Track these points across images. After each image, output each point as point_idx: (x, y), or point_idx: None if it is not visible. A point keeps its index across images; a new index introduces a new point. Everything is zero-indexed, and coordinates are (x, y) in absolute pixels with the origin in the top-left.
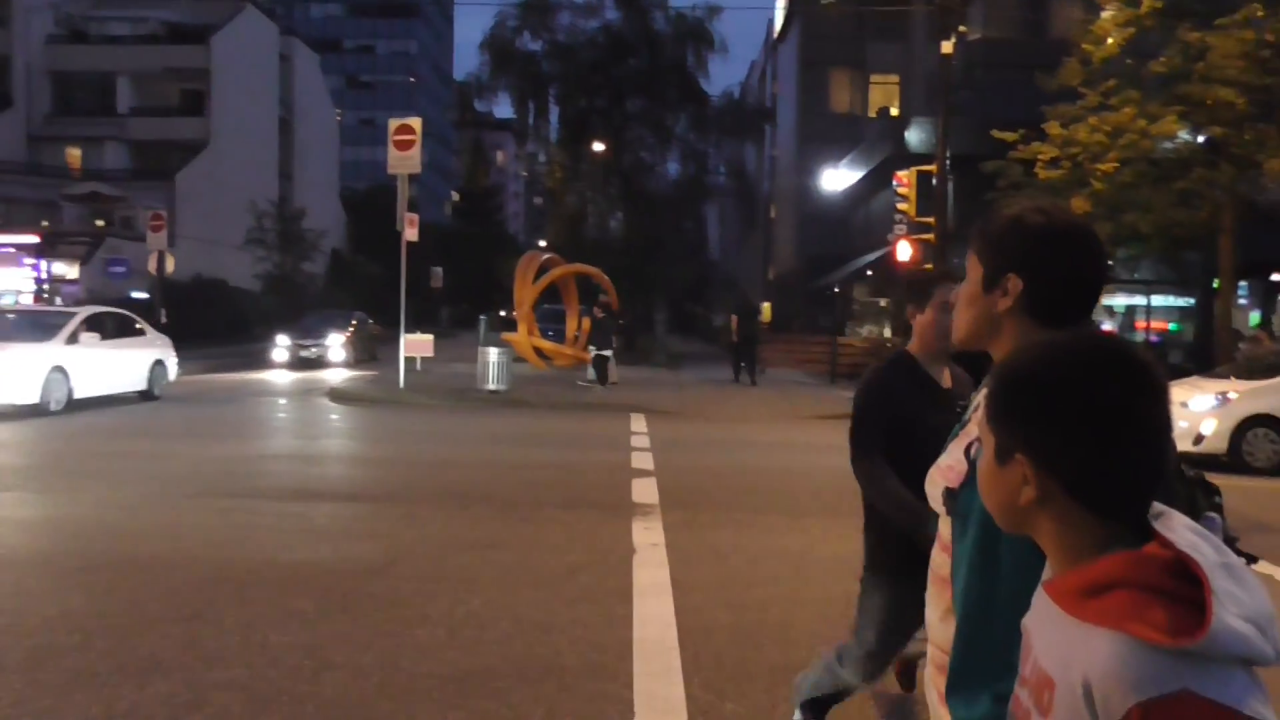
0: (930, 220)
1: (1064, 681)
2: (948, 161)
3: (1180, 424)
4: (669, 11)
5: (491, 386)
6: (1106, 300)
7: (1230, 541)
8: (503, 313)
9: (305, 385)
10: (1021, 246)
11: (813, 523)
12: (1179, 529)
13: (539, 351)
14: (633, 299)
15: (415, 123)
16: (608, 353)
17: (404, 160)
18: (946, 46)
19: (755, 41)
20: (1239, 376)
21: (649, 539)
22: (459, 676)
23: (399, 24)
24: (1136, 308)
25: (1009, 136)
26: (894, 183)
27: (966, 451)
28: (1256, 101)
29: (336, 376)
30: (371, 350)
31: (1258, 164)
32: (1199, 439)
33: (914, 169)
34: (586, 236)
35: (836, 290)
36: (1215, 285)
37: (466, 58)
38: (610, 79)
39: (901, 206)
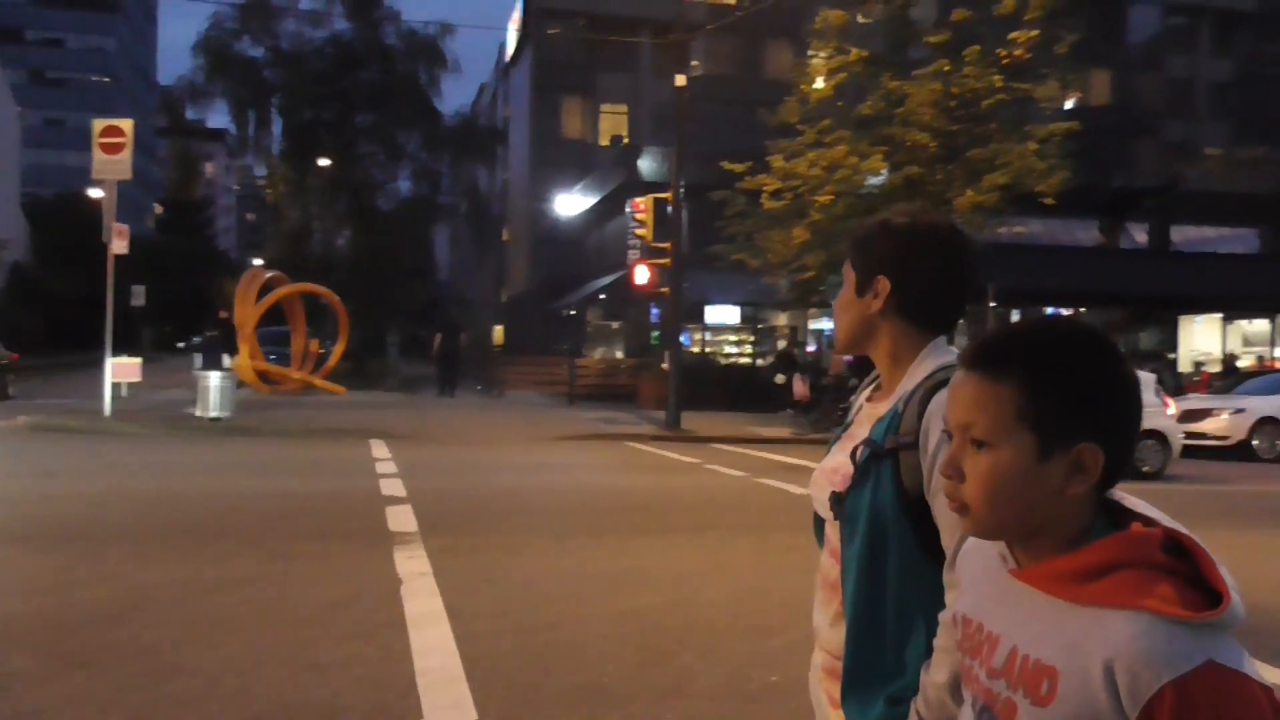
0: (666, 245)
1: (1073, 667)
2: (681, 190)
3: None
4: (400, 26)
5: (213, 413)
6: (815, 324)
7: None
8: (198, 337)
9: None
10: (887, 249)
11: (579, 543)
12: (1138, 503)
13: (263, 375)
14: (363, 320)
15: (126, 124)
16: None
17: (112, 165)
18: (680, 79)
19: (484, 61)
20: None
21: (415, 568)
22: None
23: (93, 18)
24: None
25: (737, 168)
26: (629, 209)
27: (852, 455)
28: (945, 145)
29: None
30: (1, 386)
31: (948, 201)
32: None
33: (651, 196)
34: (311, 254)
35: (573, 313)
36: None
37: (172, 60)
38: (339, 91)
39: (639, 232)
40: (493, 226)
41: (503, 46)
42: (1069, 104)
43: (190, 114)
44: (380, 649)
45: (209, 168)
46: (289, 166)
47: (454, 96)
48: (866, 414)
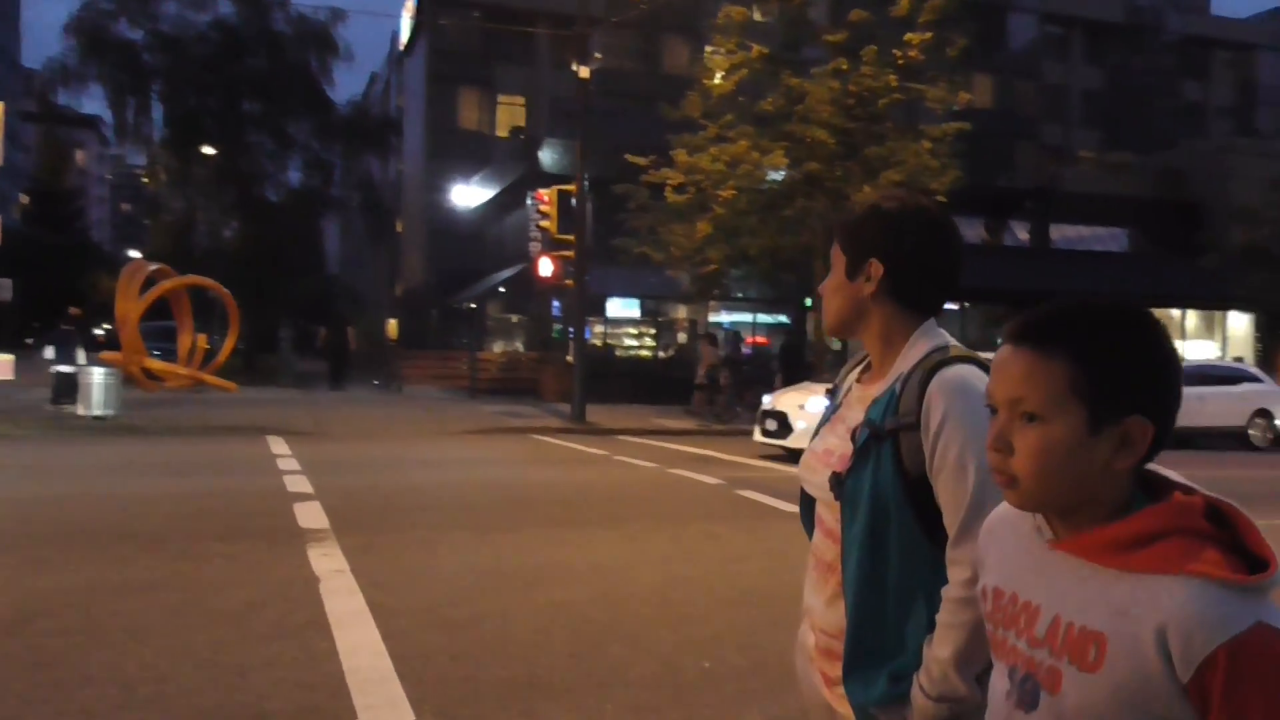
0: (570, 238)
1: (1122, 633)
2: (585, 182)
3: (799, 424)
4: (289, 11)
5: (96, 411)
6: (714, 318)
7: None
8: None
9: None
10: (879, 232)
11: (497, 537)
12: (1171, 473)
13: (148, 372)
14: (253, 315)
15: None
16: (70, 369)
17: None
18: (584, 71)
19: (376, 50)
20: None
21: (331, 565)
22: None
23: None
24: (743, 324)
25: (640, 161)
26: (531, 201)
27: (852, 436)
28: (843, 142)
29: None
30: None
31: (846, 196)
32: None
33: (555, 188)
34: (196, 246)
35: (472, 306)
36: (807, 303)
37: (39, 41)
38: (225, 78)
39: (543, 224)
40: (386, 219)
41: (396, 35)
42: (957, 106)
43: (61, 99)
44: (304, 649)
45: (80, 156)
46: (171, 156)
47: (346, 86)
48: (857, 396)
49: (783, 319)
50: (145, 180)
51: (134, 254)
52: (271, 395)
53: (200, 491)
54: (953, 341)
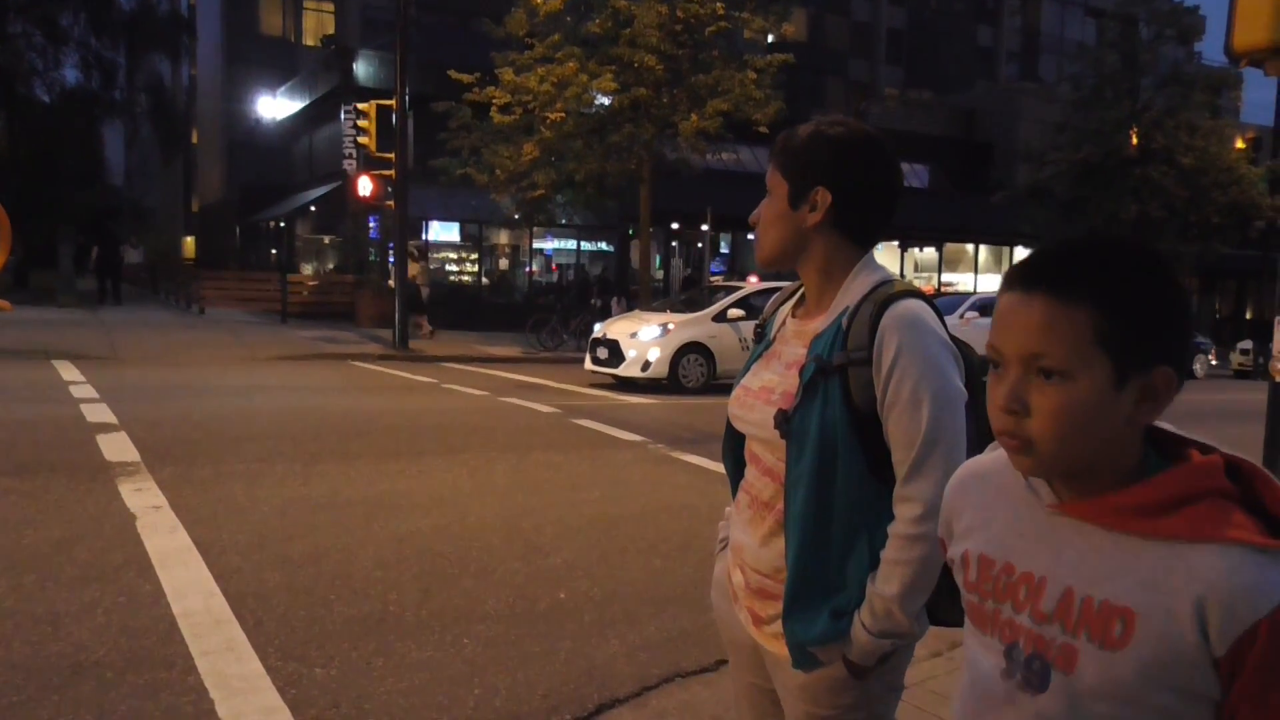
0: (390, 156)
1: (1154, 606)
2: (406, 98)
3: (630, 353)
4: None
5: None
6: (538, 243)
7: None
8: None
9: None
10: (829, 158)
11: (328, 468)
12: (1170, 426)
13: None
14: (25, 228)
15: None
16: None
17: None
18: None
19: None
20: (674, 310)
21: (147, 501)
22: None
23: None
24: (566, 250)
25: (465, 78)
26: (346, 115)
27: (801, 373)
28: (670, 69)
29: None
30: None
31: (673, 124)
32: (646, 365)
33: (374, 102)
34: None
35: (282, 225)
36: (630, 232)
37: None
38: None
39: (362, 140)
40: (179, 128)
41: None
42: (771, 37)
43: None
44: (125, 592)
45: None
46: None
47: None
48: (794, 331)
49: (604, 246)
50: None
51: None
52: (53, 316)
53: None
54: (893, 274)
